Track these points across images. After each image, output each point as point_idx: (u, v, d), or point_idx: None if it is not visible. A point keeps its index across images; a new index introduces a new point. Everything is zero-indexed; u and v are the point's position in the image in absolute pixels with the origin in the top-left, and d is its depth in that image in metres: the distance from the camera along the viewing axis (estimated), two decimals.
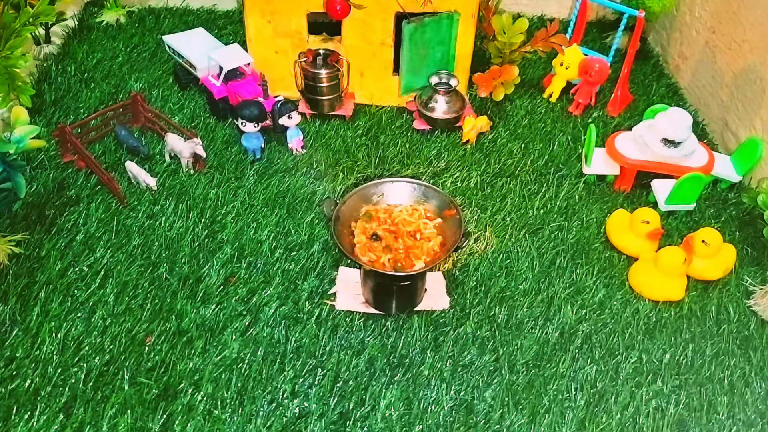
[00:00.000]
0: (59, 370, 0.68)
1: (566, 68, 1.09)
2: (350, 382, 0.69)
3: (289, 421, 0.66)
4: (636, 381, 0.72)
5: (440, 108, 1.01)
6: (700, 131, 1.09)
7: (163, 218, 0.86)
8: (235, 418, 0.66)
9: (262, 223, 0.86)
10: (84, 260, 0.79)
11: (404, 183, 0.80)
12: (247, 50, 1.03)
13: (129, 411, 0.65)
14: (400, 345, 0.73)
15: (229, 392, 0.68)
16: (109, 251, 0.80)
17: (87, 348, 0.70)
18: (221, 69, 0.99)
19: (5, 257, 0.78)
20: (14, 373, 0.67)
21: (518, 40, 1.03)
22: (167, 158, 0.95)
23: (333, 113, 1.04)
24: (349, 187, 0.91)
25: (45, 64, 1.12)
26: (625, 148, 0.94)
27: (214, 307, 0.75)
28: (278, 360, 0.71)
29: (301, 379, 0.70)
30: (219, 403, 0.67)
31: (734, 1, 1.05)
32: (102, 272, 0.78)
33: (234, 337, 0.73)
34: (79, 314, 0.73)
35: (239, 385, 0.69)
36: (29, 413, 0.64)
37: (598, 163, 0.96)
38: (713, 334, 0.77)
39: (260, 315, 0.75)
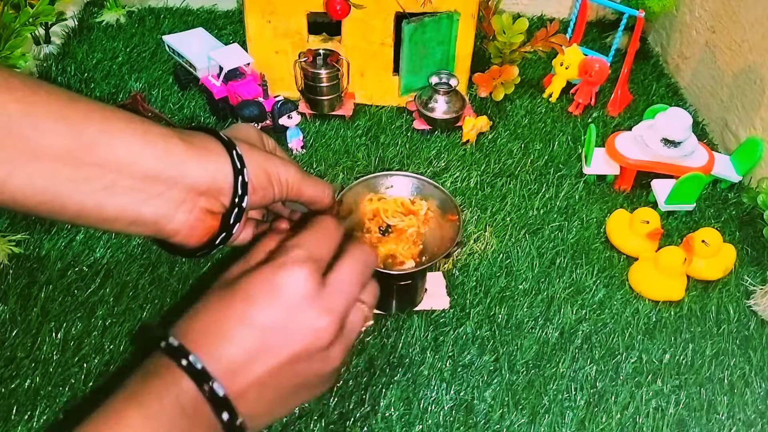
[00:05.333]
0: (59, 370, 0.68)
1: (566, 68, 1.09)
2: (350, 382, 0.69)
3: (289, 421, 0.66)
4: (636, 381, 0.72)
5: (440, 108, 1.01)
6: (700, 131, 1.09)
7: None
8: None
9: None
10: (84, 260, 0.79)
11: (415, 179, 0.79)
12: (247, 50, 1.03)
13: None
14: (400, 345, 0.73)
15: None
16: (109, 251, 0.80)
17: (87, 348, 0.70)
18: (221, 69, 0.99)
19: (5, 257, 0.78)
20: (14, 373, 0.67)
21: (518, 40, 1.03)
22: None
23: (333, 113, 1.04)
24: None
25: (45, 64, 1.12)
26: (625, 148, 0.94)
27: None
28: None
29: None
30: None
31: (734, 1, 1.05)
32: (102, 272, 0.78)
33: None
34: (79, 314, 0.73)
35: None
36: (29, 413, 0.64)
37: (598, 163, 0.96)
38: (713, 334, 0.77)
39: None
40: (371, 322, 0.47)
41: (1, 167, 0.37)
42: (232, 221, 0.46)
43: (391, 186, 0.79)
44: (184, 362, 0.38)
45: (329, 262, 0.45)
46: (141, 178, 0.41)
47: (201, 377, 0.38)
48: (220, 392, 0.38)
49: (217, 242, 0.47)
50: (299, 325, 0.41)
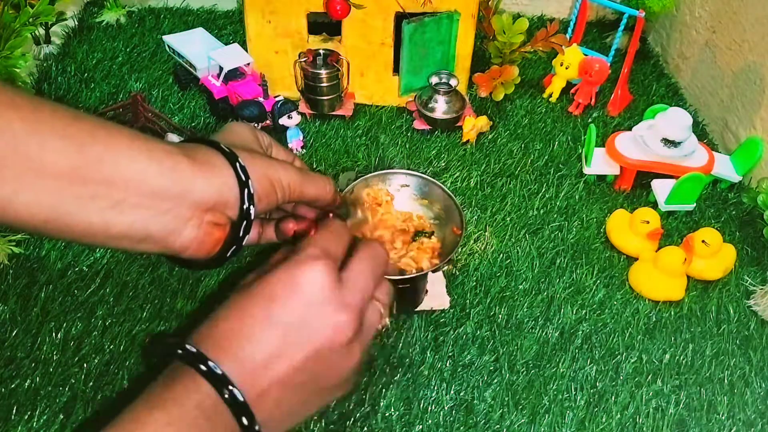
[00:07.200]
0: (59, 370, 0.68)
1: (566, 68, 1.09)
2: None
3: None
4: (636, 381, 0.72)
5: (440, 108, 1.01)
6: (700, 131, 1.09)
7: None
8: None
9: None
10: (84, 260, 0.79)
11: (430, 183, 0.79)
12: (247, 50, 1.03)
13: None
14: (400, 345, 0.73)
15: None
16: (109, 251, 0.80)
17: (87, 348, 0.70)
18: (221, 69, 0.99)
19: (5, 257, 0.78)
20: (14, 374, 0.67)
21: (518, 40, 1.03)
22: None
23: (333, 113, 1.04)
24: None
25: (45, 64, 1.12)
26: (625, 148, 0.94)
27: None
28: None
29: None
30: None
31: (734, 1, 1.05)
32: (102, 272, 0.78)
33: None
34: (79, 314, 0.73)
35: None
36: (29, 413, 0.64)
37: (598, 163, 0.96)
38: (713, 334, 0.77)
39: None
40: (388, 322, 0.49)
41: (6, 185, 0.37)
42: (241, 234, 0.46)
43: (407, 185, 0.79)
44: (203, 368, 0.38)
45: (343, 260, 0.46)
46: (148, 196, 0.41)
47: (221, 382, 0.38)
48: (240, 397, 0.39)
49: (228, 254, 0.47)
50: (320, 320, 0.41)
